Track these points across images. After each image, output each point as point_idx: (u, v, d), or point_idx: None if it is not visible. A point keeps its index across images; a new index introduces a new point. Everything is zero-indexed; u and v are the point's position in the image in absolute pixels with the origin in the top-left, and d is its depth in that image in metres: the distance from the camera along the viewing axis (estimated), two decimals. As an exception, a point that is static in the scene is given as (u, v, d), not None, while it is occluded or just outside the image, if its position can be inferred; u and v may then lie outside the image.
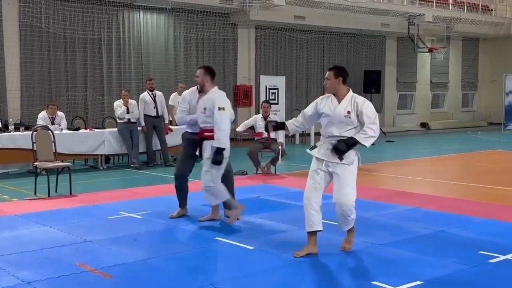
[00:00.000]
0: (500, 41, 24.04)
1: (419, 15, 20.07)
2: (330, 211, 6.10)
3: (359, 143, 4.91)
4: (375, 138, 4.97)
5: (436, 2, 21.22)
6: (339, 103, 4.99)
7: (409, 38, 20.55)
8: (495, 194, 8.44)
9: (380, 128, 5.24)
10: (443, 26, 21.02)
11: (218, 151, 5.91)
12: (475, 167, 11.77)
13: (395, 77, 21.86)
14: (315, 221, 5.04)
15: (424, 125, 22.78)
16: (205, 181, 6.11)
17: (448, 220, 6.34)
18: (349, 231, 5.21)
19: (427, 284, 4.27)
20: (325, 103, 5.08)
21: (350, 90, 5.07)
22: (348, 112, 4.92)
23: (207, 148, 6.04)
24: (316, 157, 5.10)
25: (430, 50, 21.28)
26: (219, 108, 5.93)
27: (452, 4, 21.82)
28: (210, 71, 6.21)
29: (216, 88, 6.21)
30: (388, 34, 20.79)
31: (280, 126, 5.49)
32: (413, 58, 22.06)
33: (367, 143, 4.92)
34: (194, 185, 8.87)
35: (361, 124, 4.93)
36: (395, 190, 8.56)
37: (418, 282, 4.30)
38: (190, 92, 6.45)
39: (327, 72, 5.08)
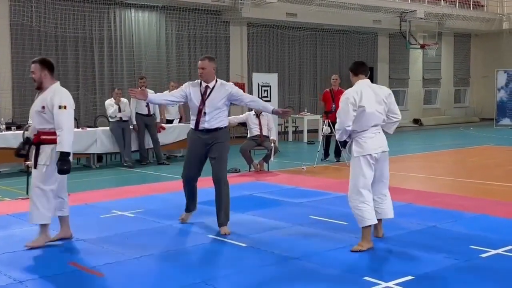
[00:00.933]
0: (492, 37, 24.13)
1: (410, 11, 20.12)
2: (329, 208, 6.12)
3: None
4: (339, 131, 5.15)
5: (427, -1, 21.30)
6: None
7: (401, 35, 20.60)
8: (486, 189, 8.48)
9: None
10: (435, 23, 21.09)
11: (63, 157, 5.07)
12: (467, 162, 11.82)
13: (388, 74, 21.91)
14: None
15: (416, 121, 22.84)
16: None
17: (440, 216, 6.37)
18: (362, 232, 5.08)
19: (418, 279, 4.29)
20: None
21: (356, 82, 5.29)
22: None
23: (45, 152, 5.21)
24: None
25: (422, 47, 21.34)
26: (60, 107, 5.15)
27: (443, 0, 21.87)
28: (47, 65, 5.42)
29: (57, 84, 5.41)
30: (380, 31, 20.82)
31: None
32: (405, 54, 22.12)
33: (337, 135, 5.27)
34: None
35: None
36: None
37: (410, 277, 4.32)
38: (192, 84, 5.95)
39: None
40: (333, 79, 11.68)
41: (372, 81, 5.53)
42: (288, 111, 6.43)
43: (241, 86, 17.28)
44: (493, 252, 4.95)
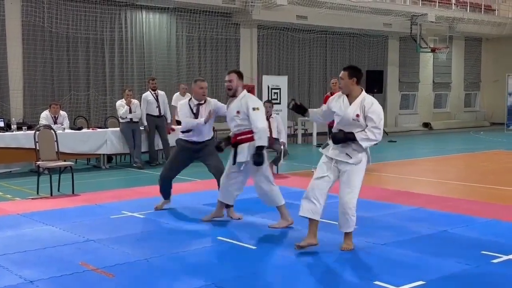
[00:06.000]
0: (503, 41, 24.00)
1: (421, 15, 20.04)
2: (333, 211, 6.10)
3: (356, 141, 4.96)
4: (374, 142, 5.00)
5: (438, 2, 21.21)
6: (349, 105, 5.04)
7: (412, 38, 20.53)
8: (497, 194, 8.42)
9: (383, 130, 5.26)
10: (446, 26, 21.00)
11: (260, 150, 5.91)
12: (478, 167, 11.75)
13: (398, 77, 21.84)
14: (310, 208, 5.07)
15: (426, 125, 22.75)
16: None
17: (451, 220, 6.33)
18: (347, 234, 5.18)
19: (429, 284, 4.26)
20: (336, 101, 5.18)
21: (363, 91, 5.11)
22: (357, 115, 4.98)
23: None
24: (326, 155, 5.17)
25: (433, 50, 21.26)
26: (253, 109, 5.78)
27: (454, 4, 21.79)
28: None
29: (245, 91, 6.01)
30: (390, 34, 20.77)
31: (303, 109, 5.54)
32: (415, 58, 22.04)
33: (364, 143, 4.97)
34: (196, 185, 8.90)
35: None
36: (398, 190, 8.55)
37: (421, 282, 4.29)
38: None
39: (341, 72, 5.11)
40: (332, 83, 11.55)
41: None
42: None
43: (250, 88, 17.31)
44: (504, 257, 4.91)
